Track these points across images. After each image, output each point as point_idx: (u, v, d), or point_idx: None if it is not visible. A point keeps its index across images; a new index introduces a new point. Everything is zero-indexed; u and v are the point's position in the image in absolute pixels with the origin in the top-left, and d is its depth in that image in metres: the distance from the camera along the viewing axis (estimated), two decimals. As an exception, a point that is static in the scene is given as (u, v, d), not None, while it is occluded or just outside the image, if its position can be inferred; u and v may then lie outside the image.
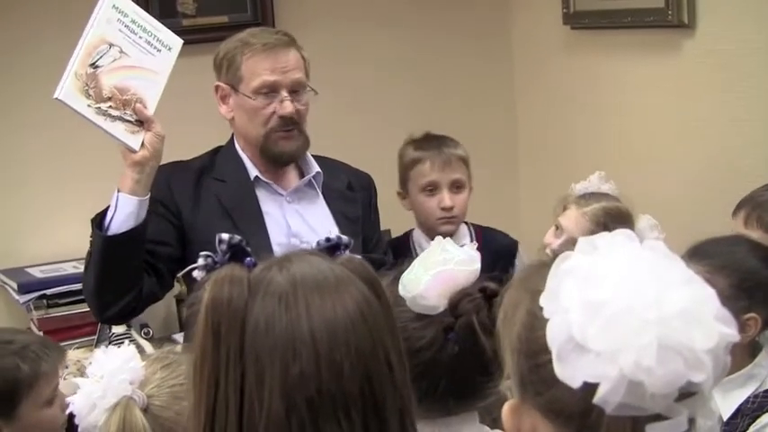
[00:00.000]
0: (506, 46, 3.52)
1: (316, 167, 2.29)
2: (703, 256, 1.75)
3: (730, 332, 0.90)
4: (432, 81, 3.45)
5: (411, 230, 2.68)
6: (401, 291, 1.37)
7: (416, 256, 2.47)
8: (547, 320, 0.91)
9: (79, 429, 1.35)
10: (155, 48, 2.11)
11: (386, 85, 3.39)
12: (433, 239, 2.44)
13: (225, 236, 1.07)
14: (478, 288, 1.35)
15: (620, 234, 0.96)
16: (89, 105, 2.00)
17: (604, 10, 2.99)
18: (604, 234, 0.96)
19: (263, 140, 2.21)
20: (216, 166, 2.28)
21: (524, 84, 3.51)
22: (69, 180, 3.00)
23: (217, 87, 2.26)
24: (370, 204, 2.41)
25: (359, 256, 1.12)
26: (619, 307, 0.87)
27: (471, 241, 2.55)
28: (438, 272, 1.36)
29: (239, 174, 2.25)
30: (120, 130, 2.02)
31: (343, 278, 1.04)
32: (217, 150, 2.33)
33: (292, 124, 2.21)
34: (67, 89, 1.98)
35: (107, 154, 2.96)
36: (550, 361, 0.89)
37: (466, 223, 2.67)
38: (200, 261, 1.08)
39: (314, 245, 1.13)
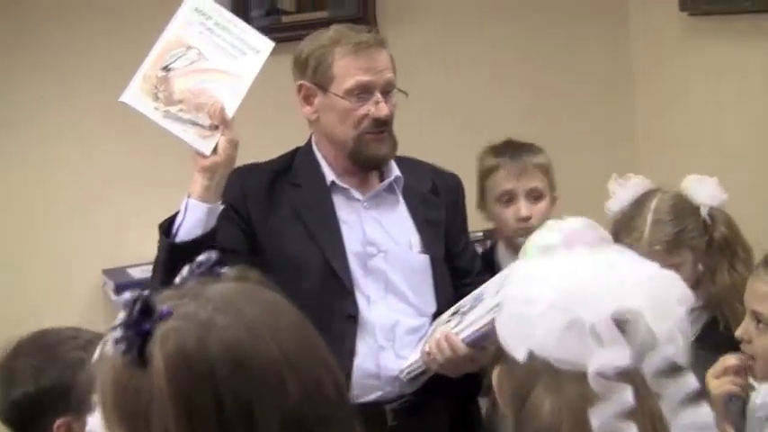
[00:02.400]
0: (623, 36, 3.39)
1: (395, 171, 2.18)
2: None
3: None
4: (544, 78, 3.34)
5: (494, 245, 2.57)
6: None
7: (500, 268, 2.42)
8: None
9: None
10: (239, 50, 2.02)
11: (490, 85, 3.30)
12: (516, 253, 2.35)
13: (127, 295, 0.92)
14: None
15: None
16: (156, 108, 1.94)
17: (723, -6, 2.84)
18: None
19: (352, 143, 2.10)
20: (293, 169, 2.18)
21: (642, 74, 3.37)
22: (175, 178, 2.97)
23: (300, 87, 2.15)
24: (456, 206, 2.28)
25: (252, 270, 1.04)
26: None
27: None
28: None
29: (315, 178, 2.15)
30: (190, 133, 1.95)
31: (257, 291, 0.98)
32: (295, 152, 2.23)
33: (384, 125, 2.11)
34: (133, 91, 1.93)
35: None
36: None
37: None
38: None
39: (194, 269, 1.04)
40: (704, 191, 2.09)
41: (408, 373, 2.07)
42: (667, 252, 2.06)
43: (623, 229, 2.13)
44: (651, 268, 1.01)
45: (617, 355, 0.94)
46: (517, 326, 0.97)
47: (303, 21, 3.08)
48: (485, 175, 2.47)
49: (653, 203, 2.09)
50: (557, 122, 3.30)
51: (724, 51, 2.93)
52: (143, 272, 2.86)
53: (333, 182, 2.14)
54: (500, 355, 1.05)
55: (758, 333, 1.75)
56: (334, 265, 2.07)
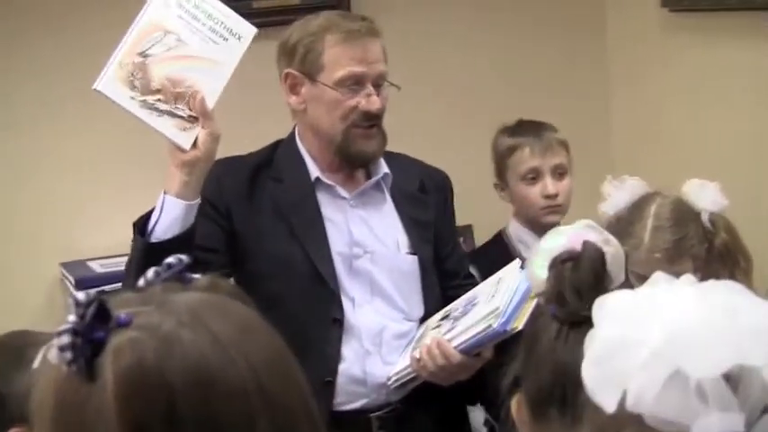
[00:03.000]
0: (600, 31, 3.31)
1: (384, 168, 2.08)
2: None
3: None
4: (521, 68, 3.27)
5: (501, 231, 2.49)
6: None
7: (519, 253, 2.35)
8: None
9: None
10: (220, 36, 1.90)
11: (469, 74, 3.21)
12: (536, 233, 2.33)
13: (80, 295, 0.80)
14: None
15: None
16: (132, 98, 1.79)
17: (706, -9, 2.79)
18: None
19: (340, 137, 2.00)
20: (274, 163, 2.07)
21: (619, 70, 3.30)
22: (135, 171, 2.90)
23: (287, 75, 2.04)
24: (445, 206, 2.20)
25: (225, 280, 0.93)
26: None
27: None
28: None
29: (299, 173, 2.04)
30: (168, 126, 1.81)
31: (229, 305, 0.87)
32: (277, 145, 2.12)
33: (374, 119, 2.01)
34: (108, 79, 1.78)
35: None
36: None
37: None
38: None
39: (160, 272, 0.91)
40: (705, 196, 2.02)
41: (396, 380, 1.99)
42: (667, 260, 1.99)
43: (621, 234, 2.05)
44: None
45: (728, 421, 0.81)
46: (610, 370, 0.84)
47: (275, 6, 2.98)
48: (505, 154, 2.42)
49: (652, 209, 2.02)
50: (532, 114, 3.21)
51: (707, 50, 2.87)
52: (103, 266, 2.77)
53: (317, 178, 2.04)
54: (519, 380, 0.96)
55: None
56: (319, 266, 1.97)
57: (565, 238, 1.09)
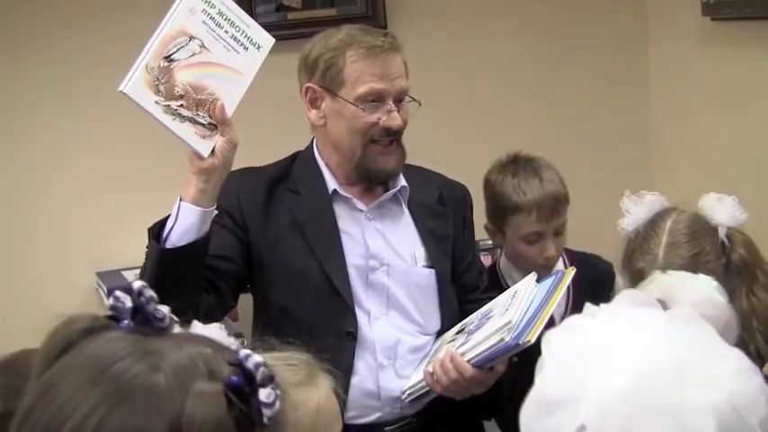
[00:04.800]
0: (642, 41, 3.27)
1: (401, 181, 2.06)
2: None
3: None
4: (559, 81, 3.23)
5: (495, 263, 2.45)
6: None
7: (507, 287, 2.33)
8: None
9: None
10: (241, 45, 1.89)
11: (505, 89, 3.19)
12: (523, 273, 2.24)
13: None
14: None
15: None
16: (157, 102, 1.80)
17: (748, -1, 2.72)
18: None
19: (360, 153, 1.98)
20: (292, 175, 2.06)
21: (660, 81, 3.25)
22: (169, 183, 2.90)
23: (307, 89, 2.03)
24: (464, 220, 2.16)
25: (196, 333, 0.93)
26: None
27: (565, 267, 2.34)
28: None
29: (317, 186, 2.03)
30: (189, 132, 1.82)
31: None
32: (295, 157, 2.12)
33: (394, 135, 1.99)
34: (135, 82, 1.78)
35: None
36: None
37: None
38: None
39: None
40: (722, 210, 1.98)
41: (410, 393, 1.96)
42: None
43: (637, 251, 2.02)
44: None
45: None
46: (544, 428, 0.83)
47: (310, 18, 2.98)
48: (508, 210, 2.28)
49: (668, 224, 1.98)
50: (571, 128, 3.21)
51: (749, 59, 2.81)
52: (137, 275, 2.78)
53: (334, 190, 2.03)
54: None
55: None
56: (333, 279, 1.96)
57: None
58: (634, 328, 0.86)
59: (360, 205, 2.03)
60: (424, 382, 1.93)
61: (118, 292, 0.91)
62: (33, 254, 2.88)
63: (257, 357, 0.86)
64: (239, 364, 0.85)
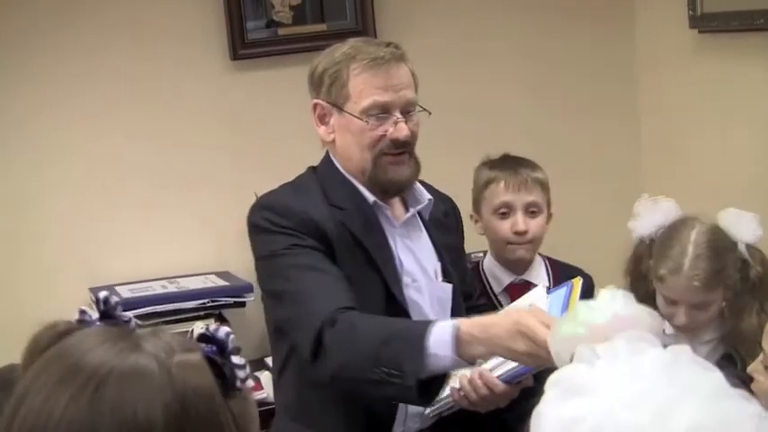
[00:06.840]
0: (629, 53, 3.29)
1: (426, 195, 2.04)
2: None
3: None
4: (548, 91, 3.25)
5: (479, 261, 2.49)
6: None
7: (490, 287, 2.38)
8: None
9: None
10: None
11: (496, 99, 3.20)
12: (508, 268, 2.37)
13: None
14: None
15: None
16: None
17: (735, 11, 2.74)
18: None
19: (371, 166, 1.96)
20: (327, 191, 2.01)
21: (648, 93, 3.27)
22: (162, 197, 2.94)
23: (315, 105, 2.01)
24: (459, 229, 2.20)
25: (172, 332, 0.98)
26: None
27: (548, 276, 2.38)
28: None
29: (356, 199, 1.99)
30: None
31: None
32: (314, 174, 2.06)
33: (403, 147, 1.97)
34: None
35: (200, 174, 2.98)
36: None
37: (541, 255, 2.46)
38: None
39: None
40: (743, 226, 2.01)
41: (435, 409, 1.95)
42: (705, 288, 1.98)
43: (657, 257, 2.04)
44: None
45: None
46: None
47: (301, 34, 2.99)
48: (482, 187, 2.42)
49: (692, 236, 2.00)
50: (561, 137, 3.22)
51: (737, 70, 2.84)
52: (131, 290, 2.79)
53: (375, 202, 1.99)
54: None
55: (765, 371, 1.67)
56: (393, 290, 1.94)
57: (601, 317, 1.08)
58: (641, 395, 0.87)
59: (393, 220, 2.01)
60: (449, 399, 1.91)
61: (83, 307, 1.00)
62: (26, 269, 2.87)
63: (225, 328, 0.97)
64: (212, 336, 0.95)
